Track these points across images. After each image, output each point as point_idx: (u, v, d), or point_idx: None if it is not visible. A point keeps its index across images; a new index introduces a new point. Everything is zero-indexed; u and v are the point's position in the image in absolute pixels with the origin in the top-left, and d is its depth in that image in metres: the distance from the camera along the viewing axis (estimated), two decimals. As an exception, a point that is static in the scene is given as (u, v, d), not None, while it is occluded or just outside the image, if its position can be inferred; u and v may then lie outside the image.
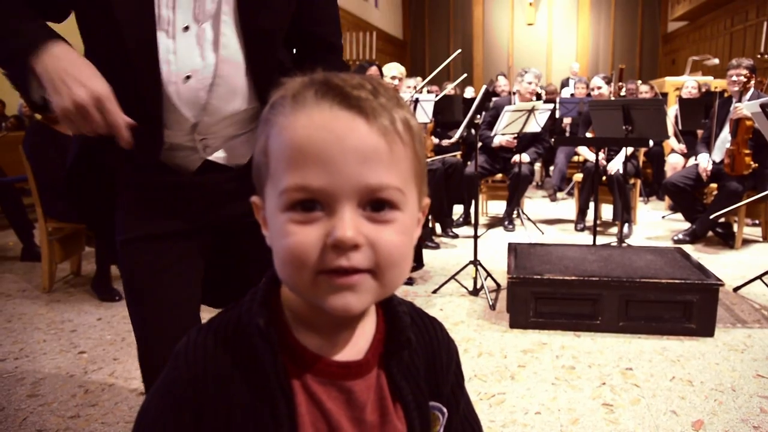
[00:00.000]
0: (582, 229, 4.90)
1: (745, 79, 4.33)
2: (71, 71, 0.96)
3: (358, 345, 0.62)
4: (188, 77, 1.06)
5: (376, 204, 0.54)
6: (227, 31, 1.08)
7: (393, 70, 4.49)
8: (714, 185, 4.48)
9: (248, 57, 1.11)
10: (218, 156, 1.19)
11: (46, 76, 0.96)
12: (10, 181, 4.40)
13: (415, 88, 5.46)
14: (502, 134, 4.91)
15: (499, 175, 5.19)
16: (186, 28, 1.05)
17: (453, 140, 4.99)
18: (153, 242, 1.19)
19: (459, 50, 4.84)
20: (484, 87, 4.88)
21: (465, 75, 5.58)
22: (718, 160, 4.45)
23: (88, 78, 0.96)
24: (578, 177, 5.01)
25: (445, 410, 0.68)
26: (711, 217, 3.90)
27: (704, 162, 4.37)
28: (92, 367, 2.48)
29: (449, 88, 6.35)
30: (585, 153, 5.10)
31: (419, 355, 0.66)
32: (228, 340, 0.60)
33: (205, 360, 0.59)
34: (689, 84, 5.90)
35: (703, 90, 6.31)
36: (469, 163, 5.14)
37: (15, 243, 4.49)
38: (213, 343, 0.60)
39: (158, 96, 1.06)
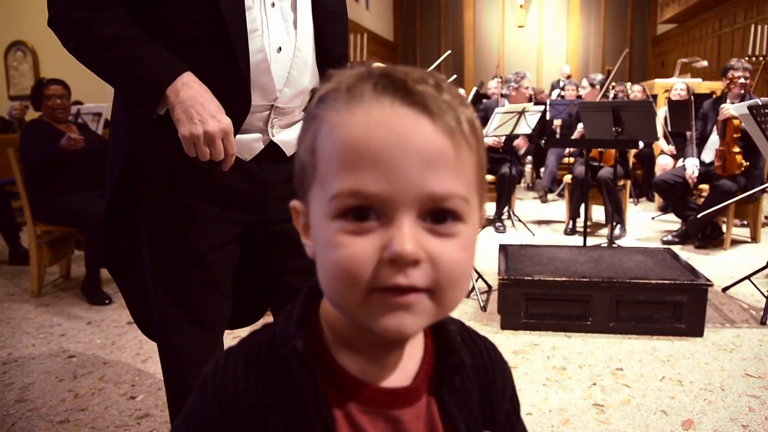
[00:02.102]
0: (571, 233, 4.91)
1: (747, 81, 4.36)
2: (203, 102, 1.09)
3: (406, 369, 0.55)
4: (280, 49, 1.17)
5: (438, 215, 0.47)
6: (303, 10, 1.21)
7: None
8: (705, 186, 4.51)
9: (318, 35, 1.24)
10: (282, 138, 1.25)
11: (179, 105, 1.08)
12: (-2, 183, 4.37)
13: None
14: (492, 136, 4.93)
15: (490, 177, 5.20)
16: (273, 5, 1.16)
17: None
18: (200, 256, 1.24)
19: (449, 51, 4.87)
20: (474, 89, 4.90)
21: (455, 76, 5.60)
22: (708, 160, 4.48)
23: (217, 111, 1.10)
24: (568, 179, 5.03)
25: None
26: (699, 216, 3.92)
27: (691, 169, 4.39)
28: (82, 371, 2.46)
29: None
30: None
31: (472, 380, 0.59)
32: (261, 365, 0.54)
33: (235, 387, 0.53)
34: (678, 86, 5.94)
35: (692, 92, 6.35)
36: None
37: (3, 247, 4.45)
38: (244, 368, 0.54)
39: (247, 64, 1.14)
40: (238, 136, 1.17)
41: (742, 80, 4.35)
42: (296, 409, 0.52)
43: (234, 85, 1.15)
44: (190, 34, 1.11)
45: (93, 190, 3.36)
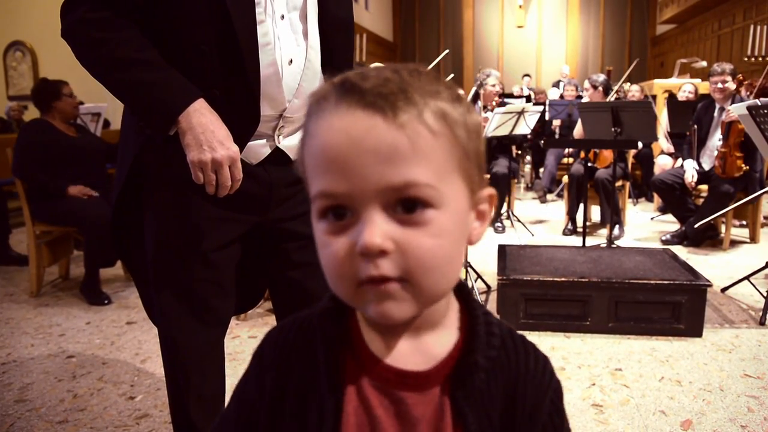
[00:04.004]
0: (570, 233, 4.91)
1: (734, 85, 4.36)
2: (213, 129, 1.12)
3: (425, 357, 0.57)
4: (291, 61, 1.19)
5: (407, 204, 0.50)
6: (312, 20, 1.22)
7: None
8: (704, 186, 4.51)
9: (324, 43, 1.25)
10: (287, 144, 1.27)
11: (190, 132, 1.11)
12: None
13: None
14: (491, 136, 4.93)
15: (486, 176, 5.20)
16: (282, 17, 1.18)
17: None
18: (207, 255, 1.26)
19: (447, 51, 4.87)
20: (473, 89, 4.90)
21: (452, 75, 5.60)
22: (707, 167, 4.48)
23: (225, 138, 1.13)
24: (566, 179, 5.03)
25: None
26: (698, 224, 3.93)
27: (689, 175, 4.40)
28: (81, 371, 2.46)
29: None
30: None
31: (498, 383, 0.59)
32: (302, 331, 0.61)
33: (285, 343, 0.61)
34: (686, 88, 5.92)
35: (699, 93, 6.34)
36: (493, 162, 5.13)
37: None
38: (294, 331, 0.62)
39: (258, 77, 1.16)
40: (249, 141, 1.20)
41: (719, 85, 4.36)
42: (312, 373, 0.58)
43: (244, 98, 1.16)
44: (201, 50, 1.13)
45: (92, 188, 3.37)
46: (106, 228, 3.24)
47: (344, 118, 0.50)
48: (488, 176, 5.08)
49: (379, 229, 0.49)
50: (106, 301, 3.31)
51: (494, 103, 5.04)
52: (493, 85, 5.08)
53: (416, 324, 0.57)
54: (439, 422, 0.57)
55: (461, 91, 0.58)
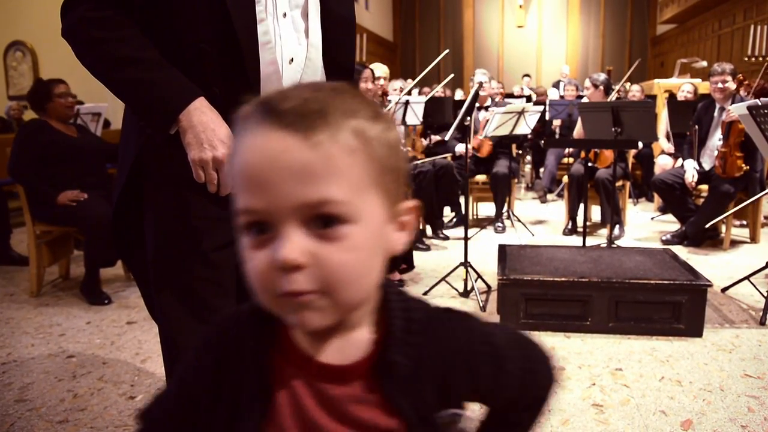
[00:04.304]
0: (570, 233, 4.91)
1: (734, 85, 4.36)
2: (213, 128, 1.11)
3: (346, 353, 0.61)
4: (292, 60, 1.19)
5: (323, 219, 0.53)
6: (313, 18, 1.21)
7: (377, 71, 4.49)
8: (704, 186, 4.51)
9: (326, 41, 1.24)
10: None
11: (191, 130, 1.11)
12: (-3, 183, 4.37)
13: (401, 90, 5.47)
14: (491, 136, 4.94)
15: (484, 177, 5.20)
16: (284, 15, 1.17)
17: (443, 138, 5.00)
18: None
19: (447, 51, 4.85)
20: (474, 89, 4.89)
21: (452, 75, 5.59)
22: (708, 167, 4.49)
23: (226, 137, 1.12)
24: (567, 179, 5.03)
25: (461, 412, 0.66)
26: (707, 225, 3.93)
27: (690, 175, 4.40)
28: (81, 371, 2.46)
29: (436, 90, 6.37)
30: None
31: (426, 366, 0.63)
32: (237, 327, 0.64)
33: (223, 339, 0.64)
34: (685, 88, 5.92)
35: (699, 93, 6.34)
36: (497, 162, 5.13)
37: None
38: (231, 327, 0.65)
39: (258, 76, 1.15)
40: None
41: (719, 85, 4.36)
42: (242, 367, 0.62)
43: (244, 97, 1.15)
44: (201, 48, 1.12)
45: (92, 190, 3.36)
46: (106, 228, 3.24)
47: (263, 138, 0.53)
48: (489, 176, 5.08)
49: (295, 244, 0.52)
50: (106, 301, 3.31)
51: (489, 101, 5.05)
52: (484, 84, 5.10)
53: (338, 324, 0.59)
54: (371, 413, 0.61)
55: (384, 109, 0.61)
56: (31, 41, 8.19)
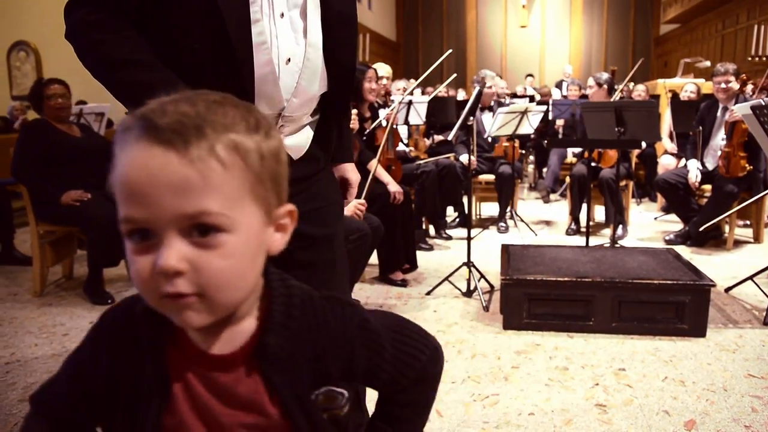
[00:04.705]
0: (573, 233, 4.90)
1: (738, 85, 4.35)
2: None
3: (231, 342, 0.66)
4: (289, 60, 1.17)
5: (201, 228, 0.56)
6: (313, 18, 1.20)
7: (380, 70, 4.49)
8: (708, 186, 4.50)
9: (327, 39, 1.22)
10: (288, 143, 1.25)
11: None
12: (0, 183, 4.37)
13: (404, 90, 5.47)
14: (495, 136, 4.93)
15: (491, 176, 5.19)
16: (282, 15, 1.15)
17: (446, 137, 5.00)
18: None
19: (450, 51, 4.84)
20: (477, 88, 4.89)
21: (455, 75, 5.59)
22: (711, 167, 4.47)
23: None
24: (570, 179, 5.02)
25: (345, 392, 0.71)
26: (704, 227, 3.92)
27: (693, 175, 4.38)
28: (84, 370, 2.47)
29: (439, 90, 6.37)
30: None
31: (304, 349, 0.68)
32: (132, 322, 0.68)
33: (118, 332, 0.69)
34: (688, 88, 5.90)
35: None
36: (502, 161, 5.12)
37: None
38: (127, 321, 0.68)
39: (252, 77, 1.14)
40: None
41: (723, 85, 4.35)
42: (138, 361, 0.66)
43: (239, 98, 1.15)
44: (194, 50, 1.12)
45: (95, 190, 3.36)
46: (109, 228, 3.25)
47: (141, 153, 0.56)
48: (493, 176, 5.08)
49: (175, 252, 0.56)
50: (109, 301, 3.32)
51: (492, 102, 5.04)
52: (489, 87, 5.09)
53: (224, 318, 0.64)
54: (254, 394, 0.66)
55: (261, 117, 0.63)
56: (35, 41, 8.21)
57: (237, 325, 0.66)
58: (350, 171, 1.54)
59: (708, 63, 8.64)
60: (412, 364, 0.77)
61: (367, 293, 3.45)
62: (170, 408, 0.66)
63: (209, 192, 0.56)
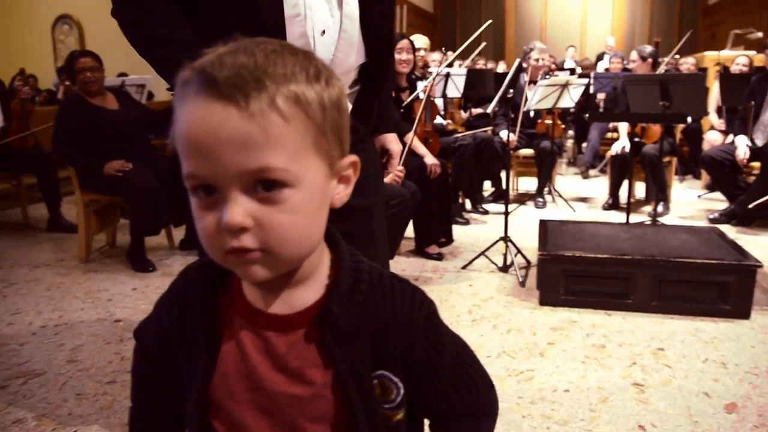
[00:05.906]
0: (609, 208, 4.80)
1: None
2: None
3: (292, 304, 0.66)
4: (323, 32, 1.16)
5: (265, 184, 0.56)
6: None
7: (417, 42, 4.41)
8: (756, 164, 4.34)
9: (364, 11, 1.20)
10: None
11: None
12: (48, 153, 4.49)
13: (440, 63, 5.37)
14: (535, 109, 4.83)
15: (530, 151, 5.10)
16: None
17: (485, 110, 4.92)
18: None
19: (490, 21, 4.72)
20: (517, 61, 4.79)
21: (484, 44, 5.46)
22: (761, 143, 4.30)
23: None
24: (611, 153, 4.89)
25: (400, 385, 0.69)
26: (752, 205, 3.78)
27: (741, 151, 4.22)
28: (128, 335, 2.55)
29: (468, 61, 6.26)
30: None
31: (367, 325, 0.67)
32: (195, 278, 0.71)
33: (187, 286, 0.72)
34: (740, 60, 5.66)
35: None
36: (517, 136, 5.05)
37: (44, 214, 4.60)
38: (193, 277, 0.71)
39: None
40: None
41: None
42: (192, 314, 0.69)
43: None
44: (228, 24, 1.12)
45: (136, 160, 3.42)
46: (150, 198, 3.31)
47: (201, 108, 0.55)
48: (531, 151, 4.99)
49: (239, 208, 0.55)
50: (150, 269, 3.41)
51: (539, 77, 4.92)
52: (536, 60, 4.95)
53: (287, 277, 0.64)
54: (306, 362, 0.65)
55: (321, 65, 0.61)
56: (77, 15, 8.34)
57: (298, 288, 0.66)
58: (392, 141, 1.52)
59: (760, 34, 8.24)
60: (467, 384, 0.74)
61: (403, 266, 3.45)
62: (218, 368, 0.67)
63: (271, 147, 0.55)
